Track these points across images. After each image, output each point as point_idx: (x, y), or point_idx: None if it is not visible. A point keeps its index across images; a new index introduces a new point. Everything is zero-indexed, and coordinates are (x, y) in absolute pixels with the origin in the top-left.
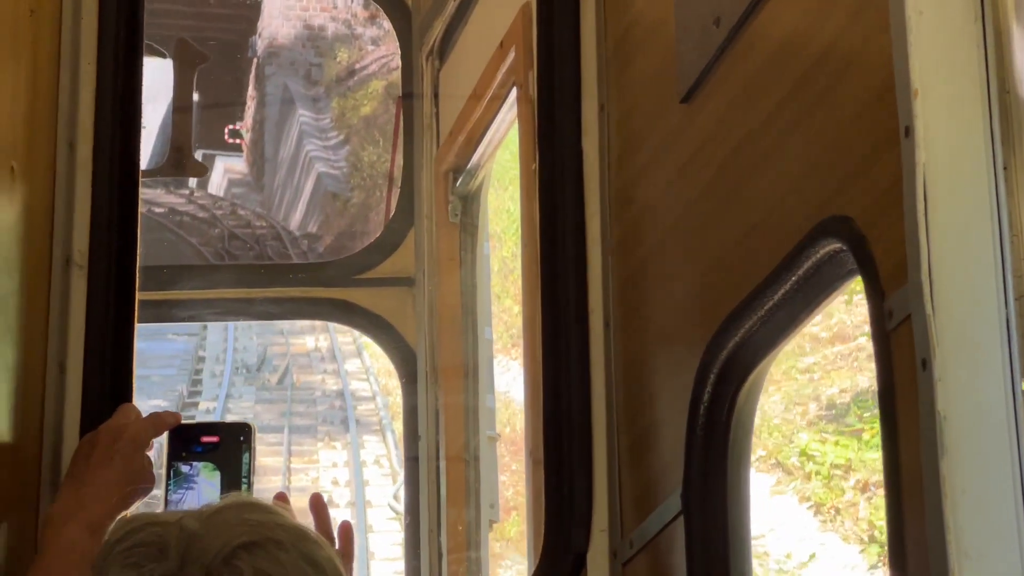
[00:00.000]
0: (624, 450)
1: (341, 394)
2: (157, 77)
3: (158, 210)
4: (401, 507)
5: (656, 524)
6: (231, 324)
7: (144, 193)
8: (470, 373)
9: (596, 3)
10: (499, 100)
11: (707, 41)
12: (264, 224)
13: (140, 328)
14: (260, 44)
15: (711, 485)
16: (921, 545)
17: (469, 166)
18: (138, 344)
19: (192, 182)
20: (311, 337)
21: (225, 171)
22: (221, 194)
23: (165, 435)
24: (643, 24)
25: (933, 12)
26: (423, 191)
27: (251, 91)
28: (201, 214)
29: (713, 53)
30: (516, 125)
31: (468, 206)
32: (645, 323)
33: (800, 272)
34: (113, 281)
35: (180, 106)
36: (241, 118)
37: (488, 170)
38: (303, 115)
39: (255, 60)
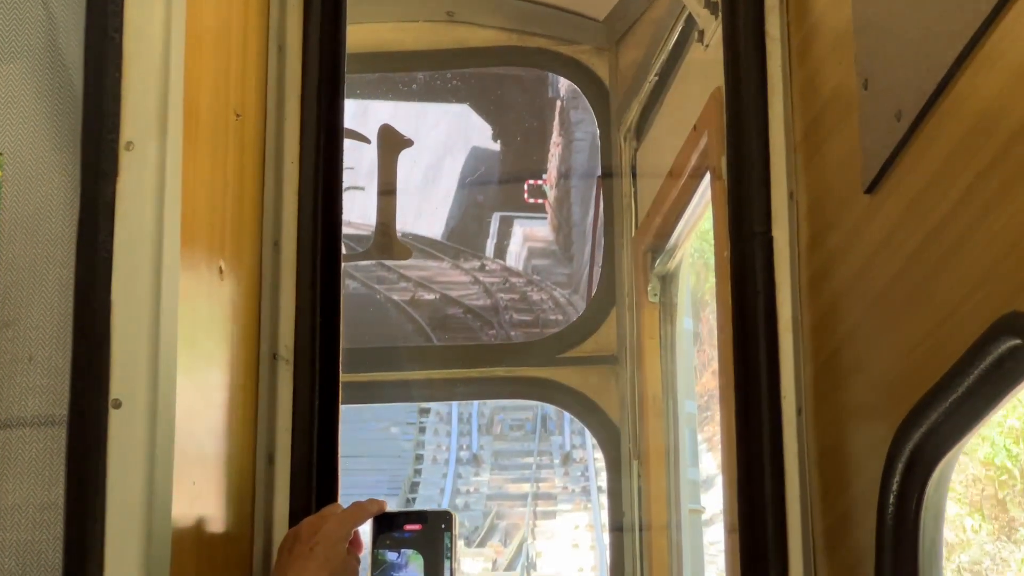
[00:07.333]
0: (819, 535)
1: None
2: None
3: (427, 296)
4: None
5: None
6: None
7: (421, 269)
8: (672, 448)
9: (784, 92)
10: (695, 181)
11: (889, 135)
12: (561, 319)
13: None
14: (562, 80)
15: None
16: None
17: (667, 246)
18: None
19: (489, 251)
20: None
21: (524, 238)
22: (520, 266)
23: (369, 524)
24: (830, 114)
25: None
26: (623, 270)
27: (555, 138)
28: (481, 300)
29: (895, 146)
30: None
31: (667, 285)
32: (837, 410)
33: (982, 366)
34: (318, 374)
35: (384, 190)
36: (544, 172)
37: (685, 250)
38: None
39: (559, 102)
